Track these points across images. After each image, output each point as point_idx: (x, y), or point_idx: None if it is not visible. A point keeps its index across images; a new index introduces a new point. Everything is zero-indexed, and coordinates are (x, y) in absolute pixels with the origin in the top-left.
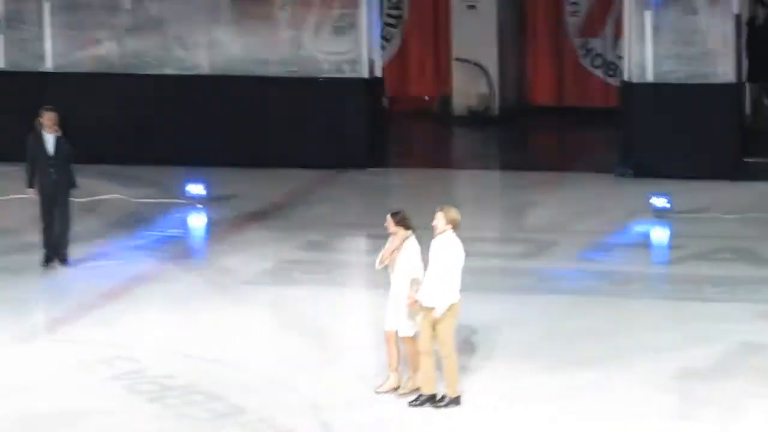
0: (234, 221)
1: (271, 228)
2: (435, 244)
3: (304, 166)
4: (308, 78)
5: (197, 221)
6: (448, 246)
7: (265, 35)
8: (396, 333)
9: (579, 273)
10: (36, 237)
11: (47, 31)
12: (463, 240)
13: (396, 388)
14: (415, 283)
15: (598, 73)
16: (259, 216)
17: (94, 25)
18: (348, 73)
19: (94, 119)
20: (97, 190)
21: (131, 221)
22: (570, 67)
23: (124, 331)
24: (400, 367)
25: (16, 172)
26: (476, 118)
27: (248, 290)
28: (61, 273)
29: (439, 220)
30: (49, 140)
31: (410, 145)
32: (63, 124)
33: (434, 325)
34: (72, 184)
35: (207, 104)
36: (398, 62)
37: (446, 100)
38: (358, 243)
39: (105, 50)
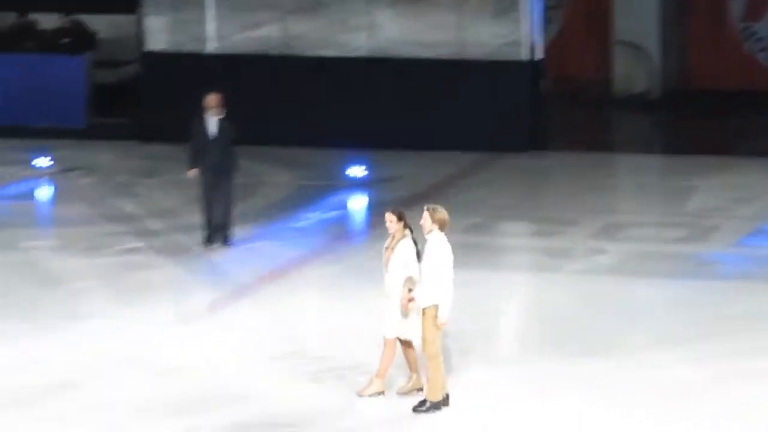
0: (394, 204)
1: None
2: (427, 244)
3: (464, 148)
4: (468, 60)
5: (357, 203)
6: (437, 246)
7: (426, 17)
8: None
9: (739, 258)
10: (197, 218)
11: (210, 13)
12: (623, 225)
13: (421, 389)
14: (409, 282)
15: (761, 57)
16: (419, 198)
17: (256, 6)
18: (509, 56)
19: (255, 101)
20: (258, 172)
21: (292, 203)
22: (732, 51)
23: (285, 312)
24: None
25: (179, 153)
26: (637, 102)
27: None
28: (222, 254)
29: (426, 220)
30: (212, 122)
31: (570, 129)
32: (225, 106)
33: (439, 327)
34: (234, 166)
35: (367, 86)
36: (558, 44)
37: (607, 83)
38: (518, 226)
39: (266, 32)
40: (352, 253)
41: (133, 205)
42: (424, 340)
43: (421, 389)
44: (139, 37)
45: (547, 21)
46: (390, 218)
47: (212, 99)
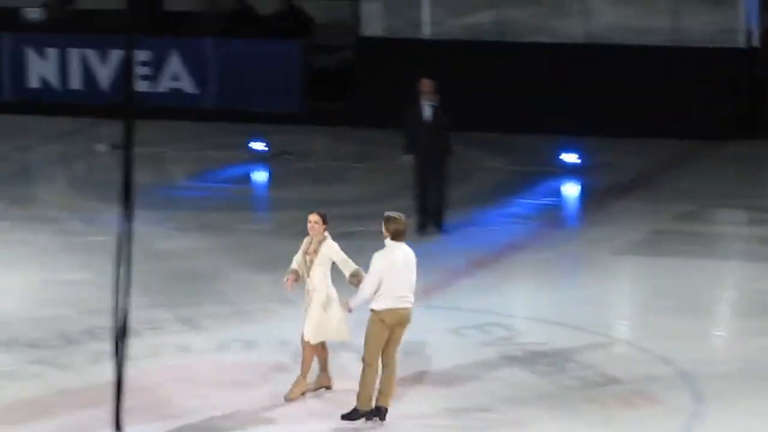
0: (606, 191)
1: (642, 198)
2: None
3: (677, 136)
4: (683, 48)
5: (570, 190)
6: (381, 255)
7: (641, 4)
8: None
9: None
10: (411, 203)
11: None
12: None
13: (328, 387)
14: (357, 275)
15: None
16: (631, 186)
17: None
18: (725, 43)
19: (468, 87)
20: (471, 158)
21: (505, 189)
22: None
23: (496, 297)
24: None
25: (393, 138)
26: None
27: (619, 260)
28: (435, 239)
29: (383, 228)
30: (426, 107)
31: None
32: (439, 92)
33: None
34: (448, 152)
35: (580, 73)
36: None
37: None
38: (732, 215)
39: (480, 18)
40: (566, 239)
41: (346, 190)
42: (365, 345)
43: (328, 387)
44: (354, 23)
45: (763, 8)
46: (316, 219)
47: (426, 84)
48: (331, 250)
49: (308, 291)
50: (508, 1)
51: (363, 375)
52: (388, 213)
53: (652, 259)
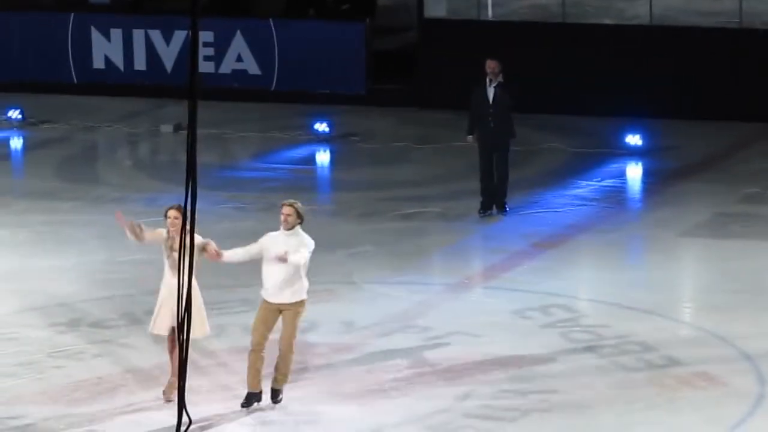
0: (670, 173)
1: (708, 180)
2: (300, 238)
3: (743, 118)
4: (750, 29)
5: (634, 172)
6: (309, 241)
7: None
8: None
9: None
10: (473, 185)
11: None
12: None
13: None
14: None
15: None
16: (696, 168)
17: None
18: None
19: (532, 69)
20: (534, 139)
21: (568, 171)
22: None
23: (559, 279)
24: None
25: (456, 119)
26: None
27: (683, 242)
28: (498, 221)
29: (293, 215)
30: (490, 89)
31: None
32: (504, 74)
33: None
34: (511, 134)
35: (646, 55)
36: None
37: None
38: None
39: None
40: (630, 221)
41: (409, 172)
42: (292, 335)
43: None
44: (418, 4)
45: None
46: (176, 215)
47: (490, 65)
48: (197, 243)
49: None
50: None
51: (290, 361)
52: (290, 200)
53: (717, 241)
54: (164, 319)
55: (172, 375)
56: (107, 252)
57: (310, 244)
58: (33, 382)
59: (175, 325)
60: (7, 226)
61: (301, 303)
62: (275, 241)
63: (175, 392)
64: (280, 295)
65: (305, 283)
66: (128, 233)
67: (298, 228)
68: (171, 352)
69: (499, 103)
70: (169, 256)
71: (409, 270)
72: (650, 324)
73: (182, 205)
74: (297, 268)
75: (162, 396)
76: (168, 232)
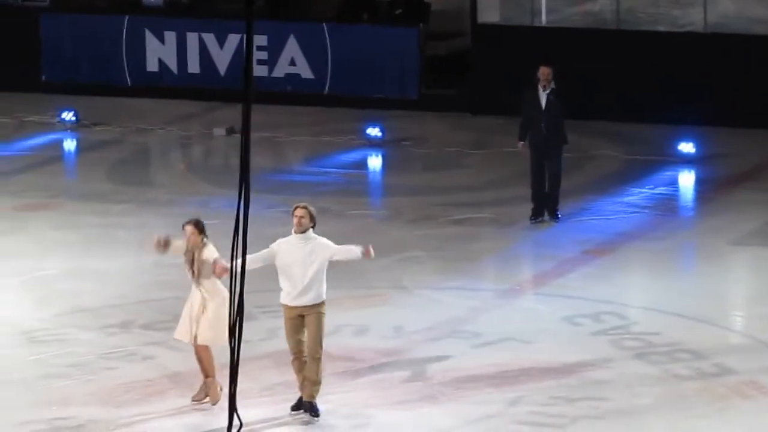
0: (723, 181)
1: (760, 189)
2: (319, 241)
3: None
4: None
5: (686, 180)
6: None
7: None
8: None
9: None
10: (525, 190)
11: None
12: None
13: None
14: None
15: None
16: (748, 176)
17: None
18: None
19: (585, 75)
20: (586, 146)
21: (620, 178)
22: None
23: (610, 286)
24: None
25: (509, 125)
26: None
27: (735, 250)
28: (549, 227)
29: (306, 217)
30: (543, 95)
31: None
32: (557, 80)
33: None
34: (563, 140)
35: (699, 62)
36: None
37: None
38: None
39: (599, 6)
40: (681, 229)
41: (461, 177)
42: (318, 342)
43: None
44: (471, 10)
45: None
46: (192, 231)
47: (543, 71)
48: (213, 255)
49: (199, 296)
50: None
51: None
52: (302, 203)
53: None
54: (184, 326)
55: (205, 377)
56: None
57: (329, 243)
58: (84, 384)
59: (196, 333)
60: (59, 227)
61: (322, 305)
62: (289, 246)
63: (212, 393)
64: (302, 298)
65: (324, 285)
66: (154, 247)
67: (310, 231)
68: (199, 358)
69: (551, 109)
70: (189, 270)
71: (460, 275)
72: (701, 332)
73: (200, 220)
74: (322, 271)
75: (192, 401)
76: (186, 244)
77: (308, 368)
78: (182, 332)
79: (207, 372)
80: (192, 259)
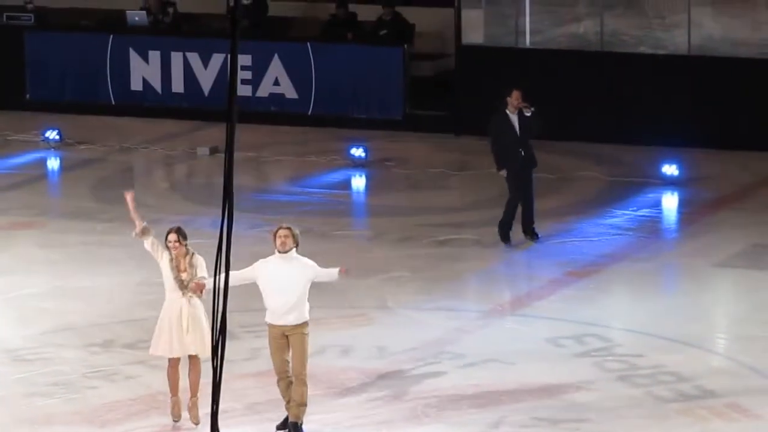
0: (706, 203)
1: (743, 211)
2: (301, 260)
3: None
4: None
5: (670, 201)
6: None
7: (746, 17)
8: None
9: None
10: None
11: (526, 8)
12: None
13: None
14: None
15: None
16: (732, 198)
17: (572, 1)
18: None
19: (569, 97)
20: (570, 167)
21: (603, 199)
22: None
23: (593, 308)
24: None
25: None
26: None
27: (718, 272)
28: (531, 248)
29: (290, 238)
30: (514, 117)
31: None
32: (530, 102)
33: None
34: (535, 162)
35: (683, 84)
36: None
37: None
38: None
39: (583, 28)
40: (665, 250)
41: (445, 198)
42: (303, 363)
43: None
44: (456, 31)
45: None
46: (175, 239)
47: (516, 95)
48: (202, 263)
49: (183, 307)
50: (611, 11)
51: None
52: (285, 224)
53: (753, 272)
54: (164, 340)
55: (192, 395)
56: (142, 273)
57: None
58: (67, 402)
59: (188, 344)
60: (43, 246)
61: (305, 325)
62: (273, 266)
63: (196, 412)
64: (286, 317)
65: (307, 305)
66: (137, 225)
67: (293, 251)
68: (172, 374)
69: (526, 131)
70: (176, 277)
71: (444, 296)
72: (684, 354)
73: (180, 227)
74: (305, 291)
75: (186, 417)
76: (170, 253)
77: (294, 390)
78: (164, 347)
79: (196, 388)
80: (179, 267)
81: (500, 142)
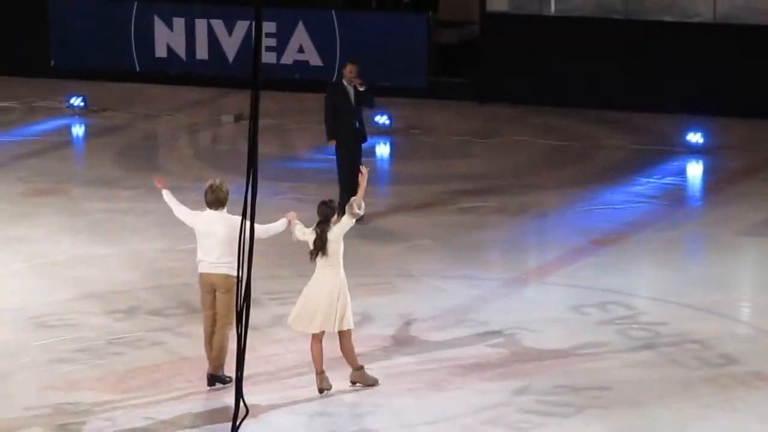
0: (731, 172)
1: (767, 180)
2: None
3: None
4: None
5: (694, 170)
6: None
7: None
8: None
9: None
10: (533, 179)
11: None
12: None
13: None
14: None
15: None
16: (757, 167)
17: None
18: None
19: (593, 64)
20: (595, 135)
21: (628, 168)
22: None
23: (617, 276)
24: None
25: (516, 114)
26: None
27: (743, 241)
28: (554, 216)
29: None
30: (350, 89)
31: None
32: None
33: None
34: (363, 137)
35: (708, 53)
36: None
37: None
38: None
39: None
40: (689, 219)
41: (469, 166)
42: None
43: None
44: None
45: None
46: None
47: (350, 68)
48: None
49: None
50: None
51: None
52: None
53: None
54: (316, 316)
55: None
56: (166, 240)
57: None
58: (91, 369)
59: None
60: (66, 213)
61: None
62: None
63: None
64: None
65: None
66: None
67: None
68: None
69: (360, 104)
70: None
71: (467, 264)
72: (708, 323)
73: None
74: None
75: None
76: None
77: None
78: (316, 324)
79: (356, 360)
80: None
81: (334, 112)
